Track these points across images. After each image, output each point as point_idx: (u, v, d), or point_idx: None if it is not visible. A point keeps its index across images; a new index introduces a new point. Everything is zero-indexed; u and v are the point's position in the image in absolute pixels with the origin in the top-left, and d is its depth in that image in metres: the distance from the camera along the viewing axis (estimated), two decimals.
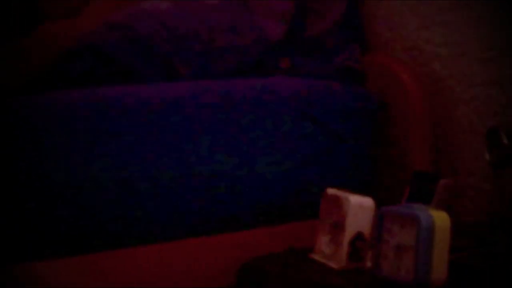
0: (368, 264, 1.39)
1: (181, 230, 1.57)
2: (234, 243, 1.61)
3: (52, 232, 1.43)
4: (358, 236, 1.41)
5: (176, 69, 1.73)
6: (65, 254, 1.44)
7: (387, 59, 1.98)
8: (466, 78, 1.90)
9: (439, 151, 1.94)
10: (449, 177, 1.56)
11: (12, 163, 1.42)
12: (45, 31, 1.82)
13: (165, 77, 1.72)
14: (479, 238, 1.53)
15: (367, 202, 1.42)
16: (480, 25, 1.87)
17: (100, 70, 1.68)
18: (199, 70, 1.75)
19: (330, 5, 1.98)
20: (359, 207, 1.41)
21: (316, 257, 1.47)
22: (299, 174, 1.71)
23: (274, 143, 1.69)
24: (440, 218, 1.28)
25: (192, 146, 1.59)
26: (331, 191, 1.47)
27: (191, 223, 1.58)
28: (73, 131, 1.48)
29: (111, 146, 1.50)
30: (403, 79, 1.88)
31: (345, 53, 1.93)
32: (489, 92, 1.86)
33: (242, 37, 1.81)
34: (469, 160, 1.89)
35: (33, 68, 1.70)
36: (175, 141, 1.57)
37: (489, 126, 1.65)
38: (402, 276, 1.28)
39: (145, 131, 1.54)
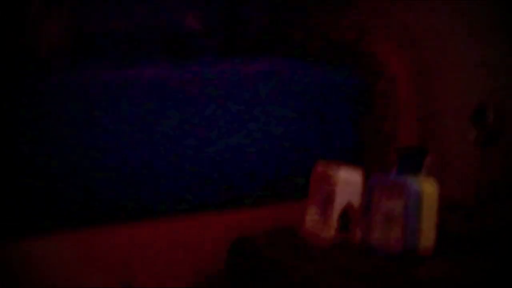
0: (358, 235, 1.40)
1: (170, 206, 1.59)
2: (224, 222, 1.62)
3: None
4: (348, 208, 1.42)
5: None
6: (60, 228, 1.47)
7: (374, 39, 1.99)
8: (454, 59, 1.91)
9: (426, 131, 1.94)
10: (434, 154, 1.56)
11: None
12: None
13: None
14: (467, 212, 1.54)
15: (356, 173, 1.43)
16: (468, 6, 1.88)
17: None
18: None
19: None
20: (348, 179, 1.42)
21: (305, 230, 1.48)
22: (283, 153, 1.73)
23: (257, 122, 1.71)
24: (428, 185, 1.29)
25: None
26: (321, 164, 1.48)
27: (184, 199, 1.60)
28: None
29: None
30: (389, 59, 1.89)
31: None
32: (477, 73, 1.86)
33: None
34: (455, 140, 1.90)
35: None
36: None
37: (475, 106, 1.66)
38: (391, 245, 1.29)
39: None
